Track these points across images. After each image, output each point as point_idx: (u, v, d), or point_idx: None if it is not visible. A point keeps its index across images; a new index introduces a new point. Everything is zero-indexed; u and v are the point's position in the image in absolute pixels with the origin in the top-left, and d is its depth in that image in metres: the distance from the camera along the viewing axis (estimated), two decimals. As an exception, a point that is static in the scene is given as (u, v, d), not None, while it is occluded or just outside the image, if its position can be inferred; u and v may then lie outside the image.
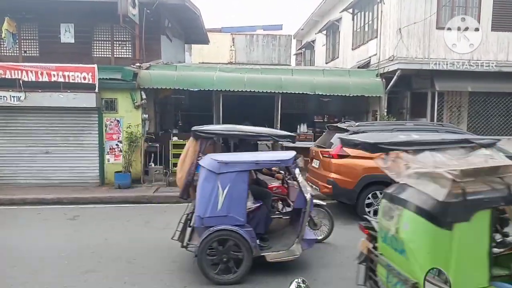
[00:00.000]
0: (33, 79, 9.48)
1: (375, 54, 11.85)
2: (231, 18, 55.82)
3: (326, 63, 17.20)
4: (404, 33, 10.62)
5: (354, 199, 7.25)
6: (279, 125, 11.29)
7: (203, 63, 18.62)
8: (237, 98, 11.84)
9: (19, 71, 9.49)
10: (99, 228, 6.88)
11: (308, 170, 8.42)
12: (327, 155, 7.48)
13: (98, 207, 8.46)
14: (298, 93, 10.86)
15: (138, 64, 10.70)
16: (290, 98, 12.11)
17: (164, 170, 10.67)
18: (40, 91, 9.57)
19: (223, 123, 11.58)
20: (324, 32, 17.24)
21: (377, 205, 7.18)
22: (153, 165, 10.72)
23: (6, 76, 9.46)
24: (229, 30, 23.09)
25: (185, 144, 12.14)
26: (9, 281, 4.66)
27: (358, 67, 12.61)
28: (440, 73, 10.63)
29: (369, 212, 7.20)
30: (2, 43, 11.85)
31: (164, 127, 12.59)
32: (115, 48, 12.05)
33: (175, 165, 11.29)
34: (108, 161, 10.27)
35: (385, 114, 10.89)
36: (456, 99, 11.38)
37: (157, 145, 10.98)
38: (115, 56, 11.99)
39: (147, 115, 10.61)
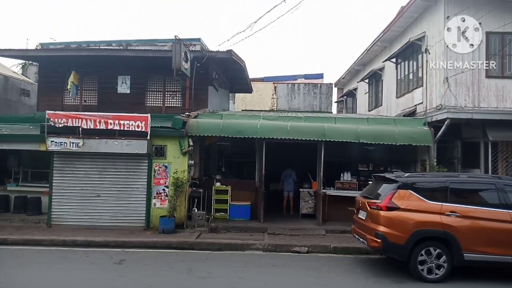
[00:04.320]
0: (92, 127, 10.17)
1: (421, 103, 11.66)
2: (274, 68, 57.99)
3: (369, 110, 17.12)
4: (451, 82, 10.48)
5: (406, 256, 6.79)
6: (322, 173, 11.17)
7: (246, 110, 19.21)
8: (280, 146, 11.95)
9: (80, 120, 10.24)
10: (143, 275, 6.93)
11: (354, 222, 8.12)
12: (375, 207, 7.18)
13: (143, 252, 8.57)
14: (342, 141, 10.78)
15: (187, 113, 11.25)
16: (333, 146, 12.02)
17: (207, 216, 10.77)
18: (97, 138, 10.23)
19: (266, 170, 11.67)
20: (367, 80, 17.34)
21: (431, 263, 6.71)
22: (196, 210, 10.87)
23: (68, 124, 10.25)
24: (271, 80, 23.94)
25: (227, 190, 12.19)
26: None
27: (404, 115, 12.41)
28: (493, 122, 10.23)
29: (422, 270, 6.72)
30: (65, 93, 13.01)
31: (207, 173, 12.86)
32: (166, 98, 12.82)
33: (217, 210, 11.44)
34: (155, 205, 10.56)
35: (435, 164, 10.47)
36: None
37: (201, 190, 11.20)
38: (166, 105, 12.73)
39: (193, 161, 10.94)
